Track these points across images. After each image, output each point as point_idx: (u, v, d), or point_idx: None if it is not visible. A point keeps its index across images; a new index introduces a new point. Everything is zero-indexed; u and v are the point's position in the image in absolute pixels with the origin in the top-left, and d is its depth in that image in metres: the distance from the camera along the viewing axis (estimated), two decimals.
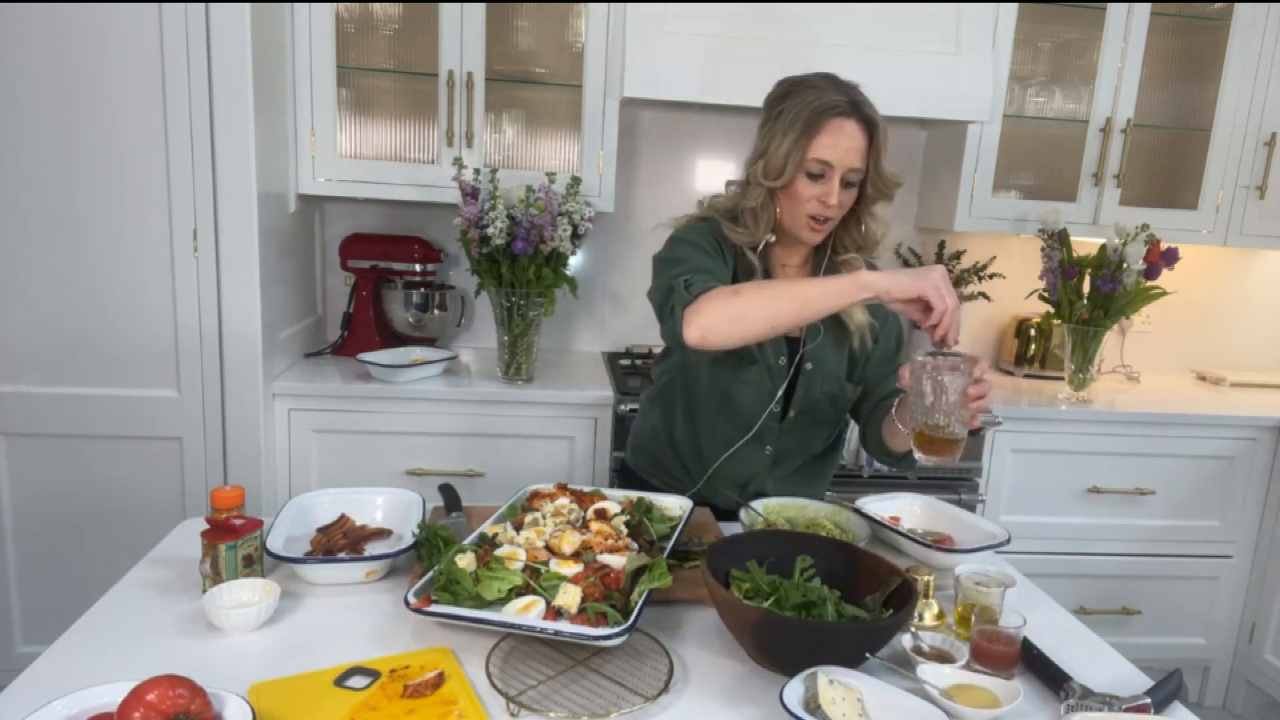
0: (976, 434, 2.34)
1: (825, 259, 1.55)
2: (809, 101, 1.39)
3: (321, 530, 1.35)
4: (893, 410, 1.45)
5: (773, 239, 1.50)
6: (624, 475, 1.77)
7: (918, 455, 1.27)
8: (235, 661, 1.03)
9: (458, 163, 2.30)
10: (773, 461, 1.57)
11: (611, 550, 1.17)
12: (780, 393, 1.52)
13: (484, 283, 2.31)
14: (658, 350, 2.71)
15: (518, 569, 1.11)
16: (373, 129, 2.44)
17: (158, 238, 2.04)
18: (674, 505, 1.42)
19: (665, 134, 2.76)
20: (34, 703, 0.88)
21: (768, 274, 1.52)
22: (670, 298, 1.37)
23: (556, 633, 1.00)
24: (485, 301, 2.42)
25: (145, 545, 1.35)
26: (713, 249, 1.47)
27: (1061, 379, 2.67)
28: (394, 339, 2.61)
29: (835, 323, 1.53)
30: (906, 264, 2.90)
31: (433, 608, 1.04)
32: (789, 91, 1.43)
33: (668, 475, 1.64)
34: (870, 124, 1.40)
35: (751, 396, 1.52)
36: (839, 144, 1.39)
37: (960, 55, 2.40)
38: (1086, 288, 2.51)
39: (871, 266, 1.56)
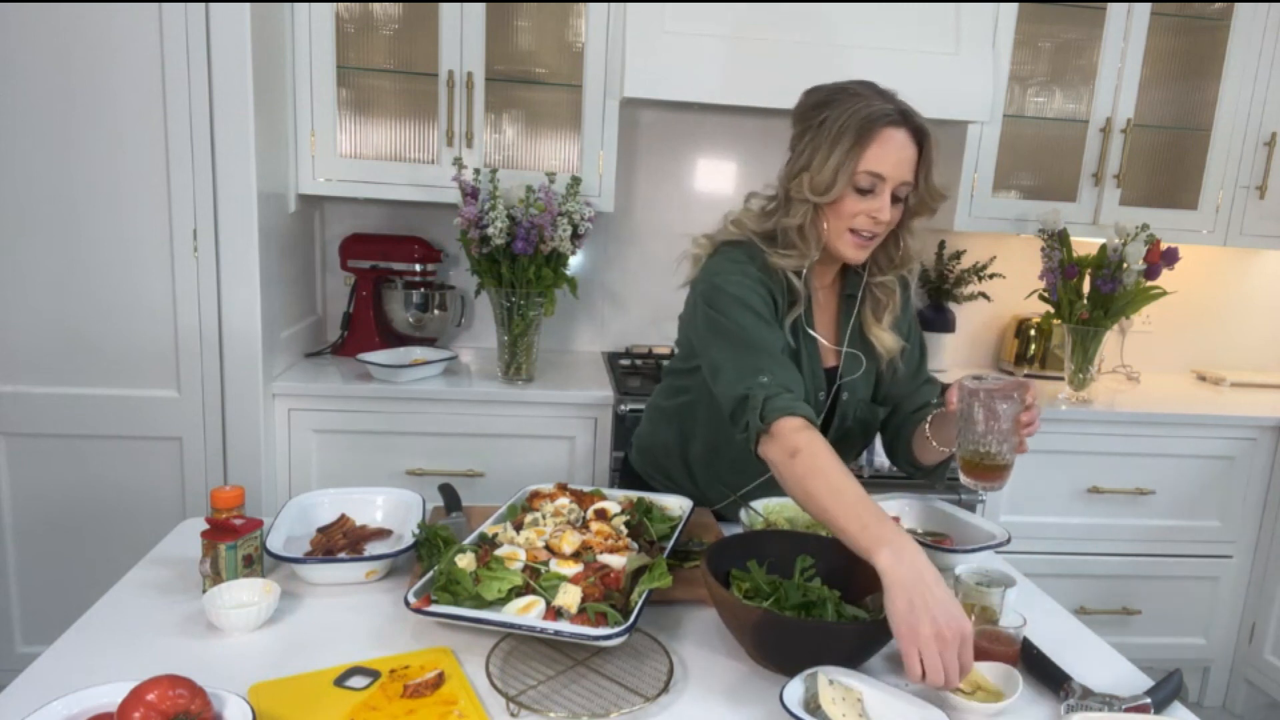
0: None
1: (863, 280, 1.47)
2: (857, 110, 1.30)
3: (321, 530, 1.35)
4: (926, 425, 1.40)
5: (817, 256, 1.39)
6: (626, 474, 1.73)
7: (966, 481, 1.22)
8: (235, 661, 1.03)
9: (458, 163, 2.30)
10: None
11: (611, 550, 1.18)
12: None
13: (484, 283, 2.31)
14: (658, 350, 2.72)
15: (518, 569, 1.11)
16: (373, 129, 2.44)
17: (158, 238, 2.04)
18: (674, 505, 1.42)
19: (665, 134, 2.76)
20: (34, 703, 0.88)
21: (806, 298, 1.43)
22: (745, 410, 1.26)
23: (556, 633, 1.00)
24: (485, 301, 2.42)
25: (145, 545, 1.35)
26: (764, 301, 1.36)
27: (1061, 379, 2.67)
28: (394, 339, 2.61)
29: (866, 347, 1.49)
30: None
31: (433, 608, 1.05)
32: (829, 100, 1.33)
33: (677, 487, 1.59)
34: (921, 133, 1.33)
35: None
36: (891, 155, 1.30)
37: (960, 55, 2.40)
38: (1086, 288, 2.50)
39: (905, 284, 1.50)
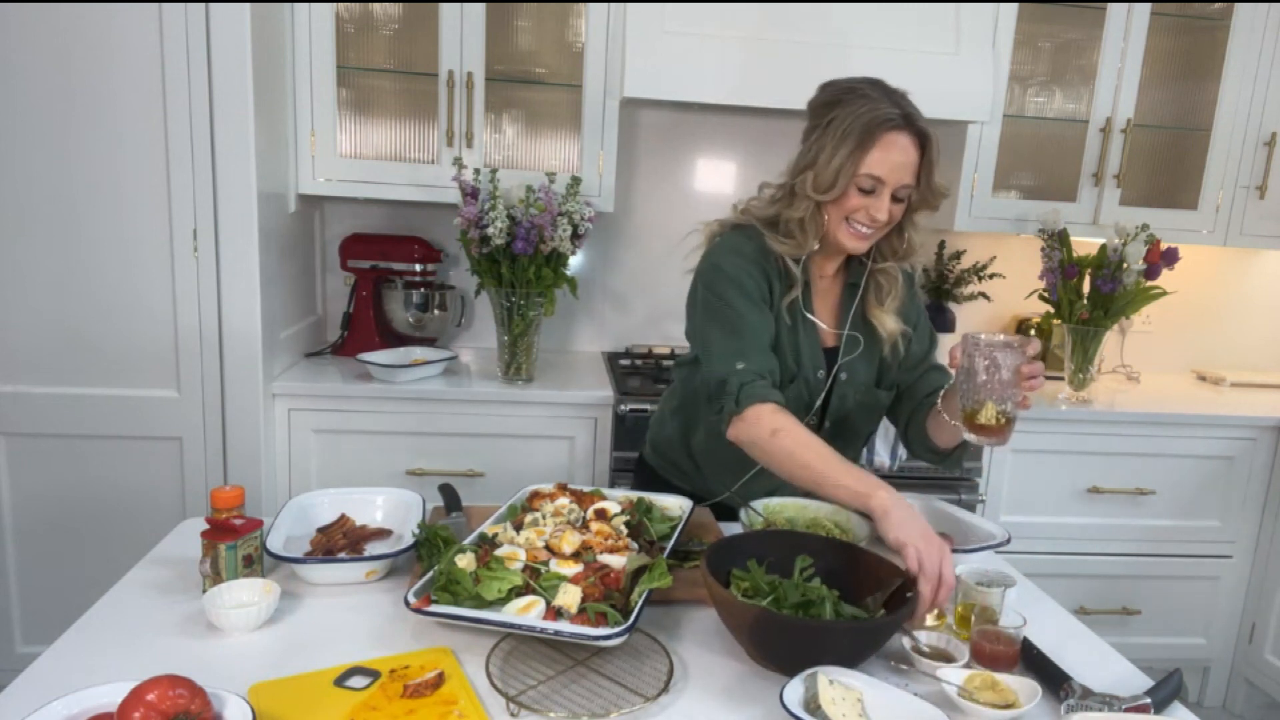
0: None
1: (866, 268, 1.51)
2: (862, 113, 1.34)
3: (321, 530, 1.35)
4: (938, 404, 1.43)
5: (815, 247, 1.45)
6: (640, 472, 1.75)
7: (969, 437, 1.25)
8: (235, 661, 1.03)
9: (458, 163, 2.30)
10: None
11: (611, 550, 1.18)
12: (818, 408, 1.51)
13: (484, 283, 2.31)
14: (658, 350, 2.72)
15: (518, 569, 1.11)
16: (373, 129, 2.44)
17: (158, 238, 2.04)
18: (674, 505, 1.42)
19: (665, 134, 2.76)
20: (34, 703, 0.88)
21: (805, 284, 1.48)
22: (722, 394, 1.37)
23: (556, 633, 1.00)
24: (485, 301, 2.42)
25: (145, 545, 1.35)
26: (758, 285, 1.43)
27: (1061, 379, 2.67)
28: (394, 339, 2.61)
29: (869, 331, 1.52)
30: None
31: (433, 608, 1.04)
32: (839, 99, 1.38)
33: (686, 478, 1.63)
34: (923, 137, 1.37)
35: (790, 410, 1.45)
36: (892, 159, 1.34)
37: (960, 55, 2.40)
38: (1086, 288, 2.50)
39: (909, 275, 1.54)
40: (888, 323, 1.50)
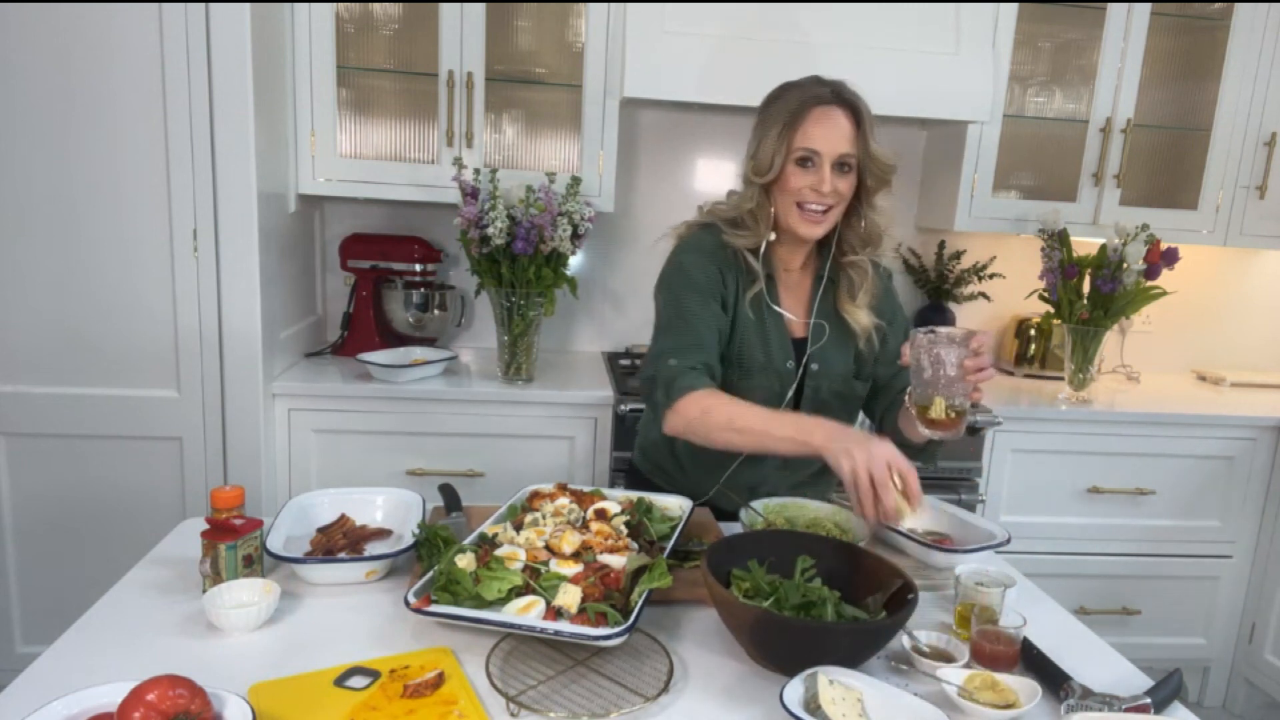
0: (975, 433, 2.35)
1: (828, 260, 1.54)
2: (793, 97, 1.42)
3: (321, 530, 1.35)
4: (906, 399, 1.44)
5: (773, 238, 1.49)
6: (631, 476, 1.76)
7: (924, 431, 1.27)
8: (235, 661, 1.03)
9: (458, 163, 2.30)
10: (783, 464, 1.56)
11: (611, 550, 1.18)
12: (790, 399, 1.52)
13: (484, 283, 2.31)
14: None
15: (518, 569, 1.11)
16: (373, 129, 2.44)
17: (158, 238, 2.04)
18: (674, 505, 1.42)
19: (665, 134, 2.76)
20: (34, 703, 0.88)
21: (770, 278, 1.52)
22: (655, 386, 1.44)
23: (556, 633, 1.00)
24: (485, 301, 2.42)
25: (145, 545, 1.35)
26: (712, 279, 1.48)
27: (1061, 379, 2.67)
28: (394, 339, 2.61)
29: (839, 324, 1.54)
30: (906, 263, 2.90)
31: (433, 608, 1.04)
32: (776, 94, 1.47)
33: (673, 481, 1.64)
34: (854, 109, 1.42)
35: (760, 403, 1.49)
36: (824, 130, 1.40)
37: (960, 55, 2.40)
38: (1086, 288, 2.50)
39: (876, 266, 1.57)
40: (860, 317, 1.52)
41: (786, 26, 2.29)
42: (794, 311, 1.55)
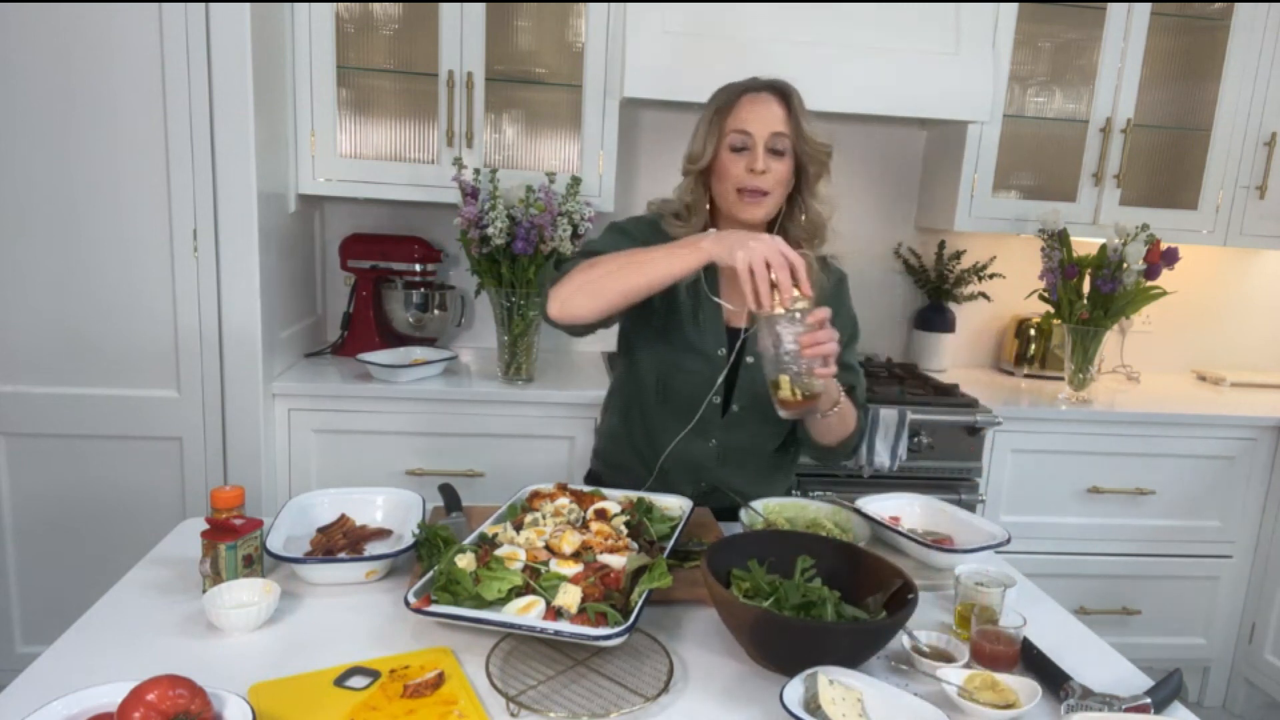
0: (976, 434, 2.35)
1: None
2: (728, 89, 1.47)
3: (321, 530, 1.35)
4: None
5: (703, 225, 1.50)
6: (591, 482, 1.76)
7: (780, 413, 1.28)
8: (235, 661, 1.03)
9: (458, 163, 2.30)
10: (719, 455, 1.56)
11: (611, 550, 1.18)
12: (721, 384, 1.52)
13: (484, 283, 2.31)
14: None
15: (518, 569, 1.11)
16: (373, 129, 2.44)
17: (158, 238, 2.04)
18: (674, 505, 1.42)
19: (665, 134, 2.76)
20: (34, 703, 0.88)
21: (714, 269, 1.50)
22: (544, 287, 1.45)
23: (556, 633, 1.00)
24: (485, 301, 2.42)
25: (145, 545, 1.35)
26: (639, 241, 1.49)
27: (1061, 379, 2.67)
28: (394, 339, 2.61)
29: None
30: (906, 263, 2.90)
31: (433, 608, 1.04)
32: (714, 95, 1.50)
33: (626, 474, 1.64)
34: (783, 93, 1.44)
35: (691, 385, 1.53)
36: (752, 112, 1.43)
37: (960, 55, 2.40)
38: (1086, 288, 2.50)
39: (826, 265, 1.57)
40: None
41: (787, 27, 2.29)
42: (737, 303, 1.53)
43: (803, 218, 1.51)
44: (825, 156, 1.47)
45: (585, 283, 1.36)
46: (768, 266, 1.19)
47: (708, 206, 1.51)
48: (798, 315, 1.21)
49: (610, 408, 1.70)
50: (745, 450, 1.58)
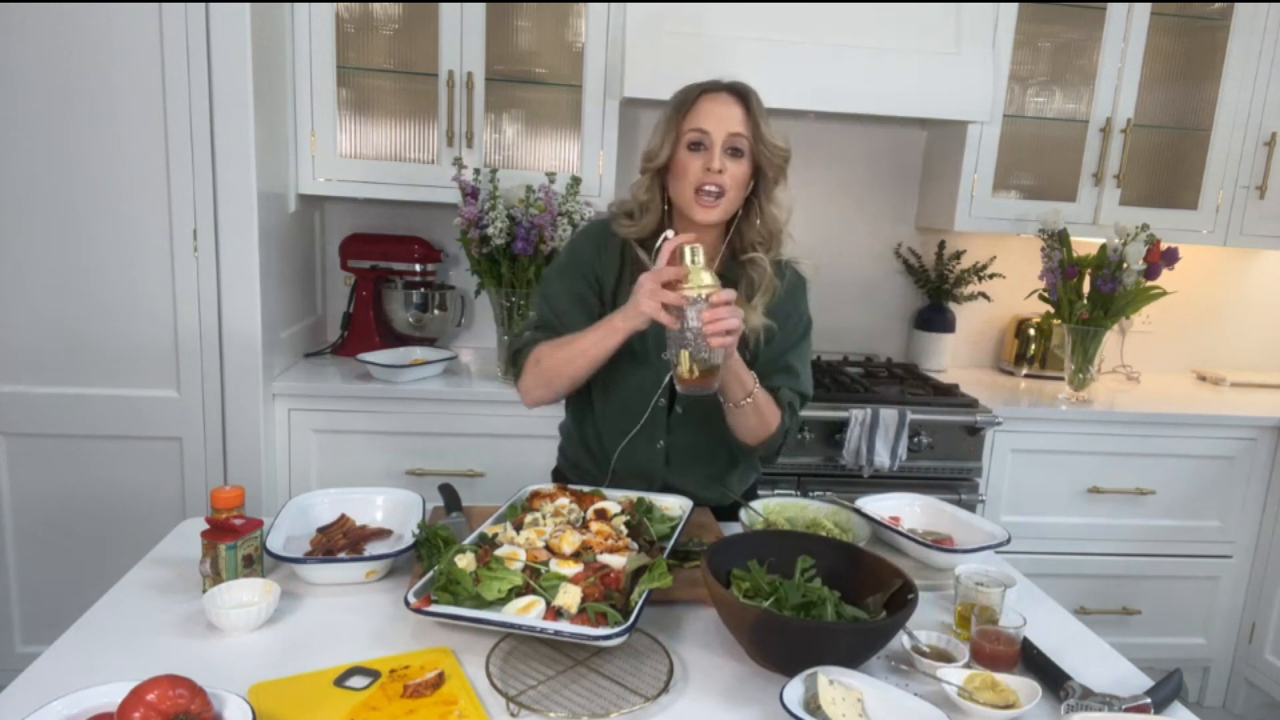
0: (976, 434, 2.35)
1: (723, 255, 1.52)
2: (687, 89, 1.47)
3: (321, 530, 1.35)
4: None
5: (671, 234, 1.43)
6: (556, 479, 1.74)
7: (680, 389, 1.30)
8: (235, 661, 1.03)
9: (458, 163, 2.30)
10: (665, 457, 1.55)
11: (611, 550, 1.18)
12: (665, 386, 1.51)
13: (484, 283, 2.31)
14: None
15: (518, 569, 1.11)
16: (373, 129, 2.44)
17: (158, 238, 2.04)
18: (674, 505, 1.42)
19: None
20: (34, 703, 0.88)
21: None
22: (513, 370, 1.54)
23: (556, 633, 1.00)
24: (485, 301, 2.42)
25: (145, 545, 1.35)
26: (581, 259, 1.55)
27: (1061, 379, 2.67)
28: (394, 339, 2.61)
29: None
30: (906, 263, 2.90)
31: (433, 608, 1.05)
32: (677, 92, 1.50)
33: (583, 474, 1.63)
34: (742, 94, 1.44)
35: (635, 388, 1.52)
36: (710, 112, 1.42)
37: (960, 55, 2.40)
38: (1086, 288, 2.50)
39: (776, 264, 1.51)
40: (752, 318, 1.48)
41: (787, 27, 2.29)
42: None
43: (758, 221, 1.49)
44: (783, 160, 1.46)
45: (538, 377, 1.48)
46: (668, 285, 1.26)
47: (665, 207, 1.50)
48: (703, 296, 1.24)
49: (569, 414, 1.69)
50: (692, 452, 1.56)
